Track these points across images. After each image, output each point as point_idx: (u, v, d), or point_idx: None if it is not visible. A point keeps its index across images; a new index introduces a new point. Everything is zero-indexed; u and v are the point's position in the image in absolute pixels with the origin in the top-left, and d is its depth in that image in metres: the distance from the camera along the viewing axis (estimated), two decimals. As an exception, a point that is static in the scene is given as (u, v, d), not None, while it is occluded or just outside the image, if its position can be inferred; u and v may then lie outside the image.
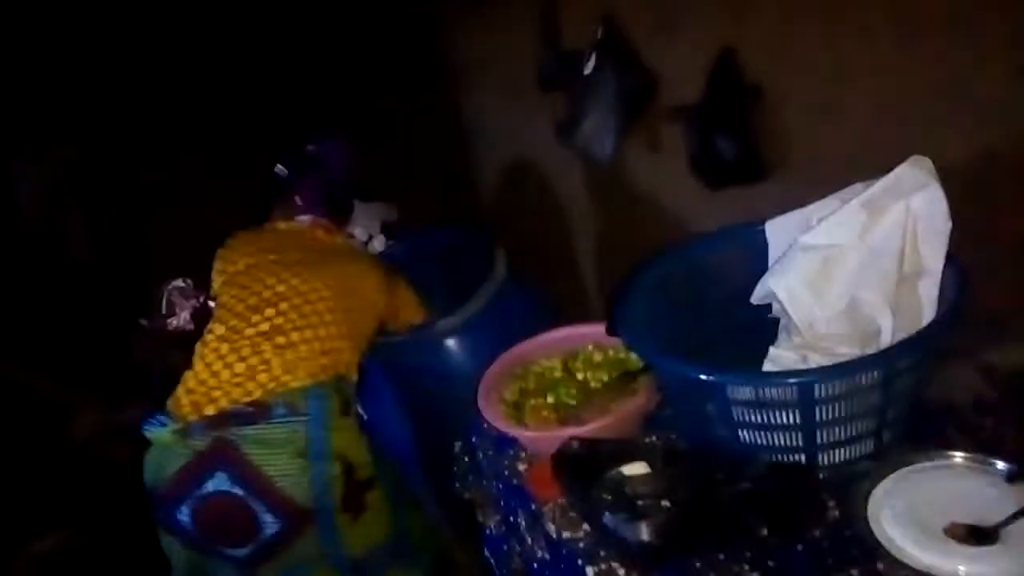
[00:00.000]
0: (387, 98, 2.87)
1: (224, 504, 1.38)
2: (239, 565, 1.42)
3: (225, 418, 1.39)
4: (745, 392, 1.11)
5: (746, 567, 1.08)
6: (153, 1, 2.63)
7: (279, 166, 1.91)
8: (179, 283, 1.99)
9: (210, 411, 1.40)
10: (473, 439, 1.55)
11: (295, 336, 1.47)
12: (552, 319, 1.76)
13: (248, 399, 1.40)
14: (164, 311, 2.01)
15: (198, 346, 1.53)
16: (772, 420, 1.12)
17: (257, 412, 1.38)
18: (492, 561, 1.62)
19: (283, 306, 1.52)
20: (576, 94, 2.10)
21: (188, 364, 1.64)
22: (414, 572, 1.60)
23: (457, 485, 1.62)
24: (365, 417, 1.71)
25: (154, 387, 2.62)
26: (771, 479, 1.13)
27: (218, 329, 1.52)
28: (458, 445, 1.60)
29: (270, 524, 1.38)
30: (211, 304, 1.85)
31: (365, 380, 1.74)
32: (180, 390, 1.47)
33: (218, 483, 1.37)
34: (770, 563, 1.08)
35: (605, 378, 1.46)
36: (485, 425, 1.47)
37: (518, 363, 1.55)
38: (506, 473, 1.41)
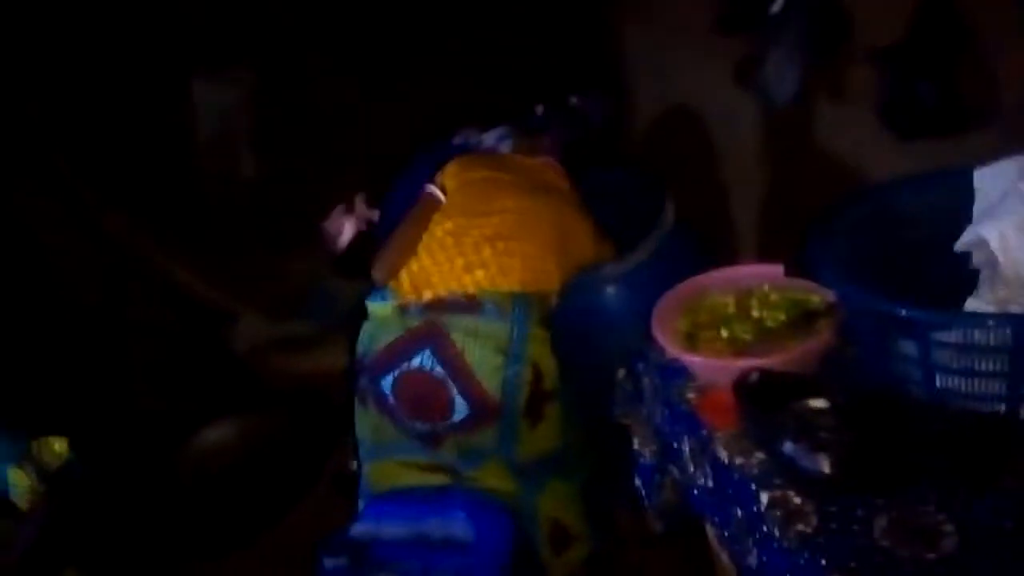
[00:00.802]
0: (541, 30, 2.84)
1: (426, 380, 1.50)
2: (422, 438, 1.53)
3: (441, 304, 1.50)
4: (952, 335, 1.08)
5: (930, 508, 1.06)
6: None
7: (539, 107, 1.99)
8: (352, 204, 2.08)
9: (428, 295, 1.51)
10: (639, 366, 1.57)
11: (514, 245, 1.56)
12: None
13: (463, 291, 1.48)
14: (333, 229, 2.10)
15: (425, 236, 1.62)
16: (976, 366, 1.08)
17: (470, 304, 1.48)
18: (643, 490, 1.65)
19: (507, 217, 1.61)
20: (761, 33, 2.04)
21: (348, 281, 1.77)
22: (571, 487, 1.66)
23: (616, 412, 1.65)
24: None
25: (317, 301, 2.78)
26: (967, 426, 1.10)
27: (446, 225, 1.62)
28: (622, 372, 1.63)
29: (461, 409, 1.49)
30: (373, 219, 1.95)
31: None
32: (403, 273, 1.58)
33: (424, 359, 1.50)
34: (957, 508, 1.06)
35: (781, 317, 1.45)
36: (655, 353, 1.49)
37: (692, 296, 1.55)
38: (674, 400, 1.43)
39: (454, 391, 1.50)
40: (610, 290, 1.92)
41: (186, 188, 3.01)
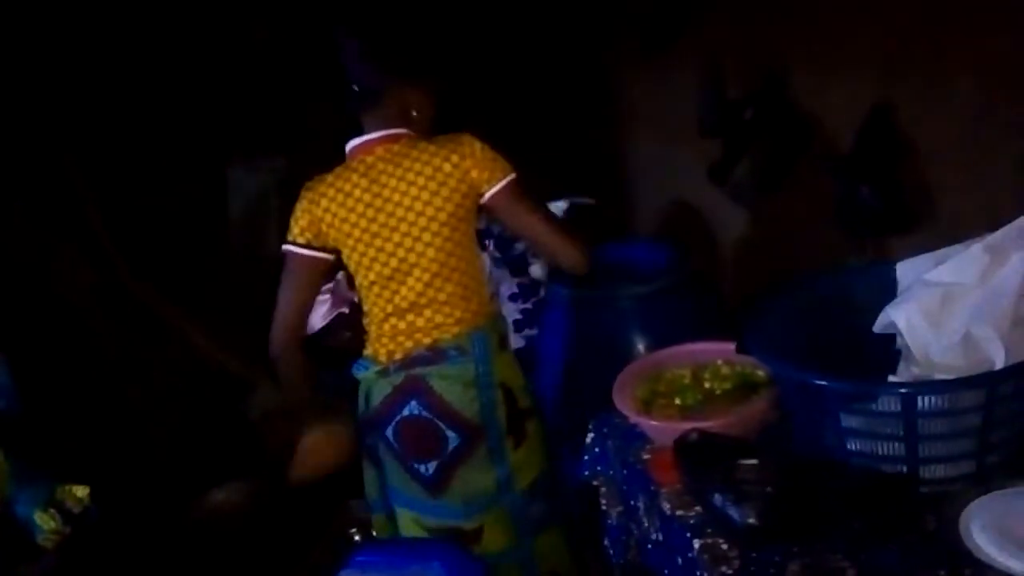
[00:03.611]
0: (551, 132, 3.11)
1: (418, 424, 1.71)
2: (429, 486, 1.73)
3: (412, 360, 1.69)
4: (856, 404, 1.24)
5: (838, 556, 1.20)
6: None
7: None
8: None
9: (399, 356, 1.70)
10: (604, 429, 1.73)
11: (441, 296, 1.69)
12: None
13: (426, 345, 1.68)
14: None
15: (370, 304, 1.77)
16: (877, 430, 1.24)
17: (435, 355, 1.67)
18: (611, 549, 1.79)
19: (417, 274, 1.69)
20: (733, 140, 2.28)
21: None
22: (562, 534, 1.80)
23: (585, 473, 1.80)
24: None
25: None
26: (872, 483, 1.25)
27: (378, 291, 1.73)
28: (590, 435, 1.79)
29: (452, 439, 1.70)
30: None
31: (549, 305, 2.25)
32: (374, 341, 1.77)
33: (412, 409, 1.71)
34: (861, 556, 1.19)
35: (727, 387, 1.62)
36: (616, 417, 1.66)
37: (652, 368, 1.73)
38: (631, 460, 1.59)
39: (443, 426, 1.69)
40: (626, 307, 2.28)
41: (214, 264, 3.26)
